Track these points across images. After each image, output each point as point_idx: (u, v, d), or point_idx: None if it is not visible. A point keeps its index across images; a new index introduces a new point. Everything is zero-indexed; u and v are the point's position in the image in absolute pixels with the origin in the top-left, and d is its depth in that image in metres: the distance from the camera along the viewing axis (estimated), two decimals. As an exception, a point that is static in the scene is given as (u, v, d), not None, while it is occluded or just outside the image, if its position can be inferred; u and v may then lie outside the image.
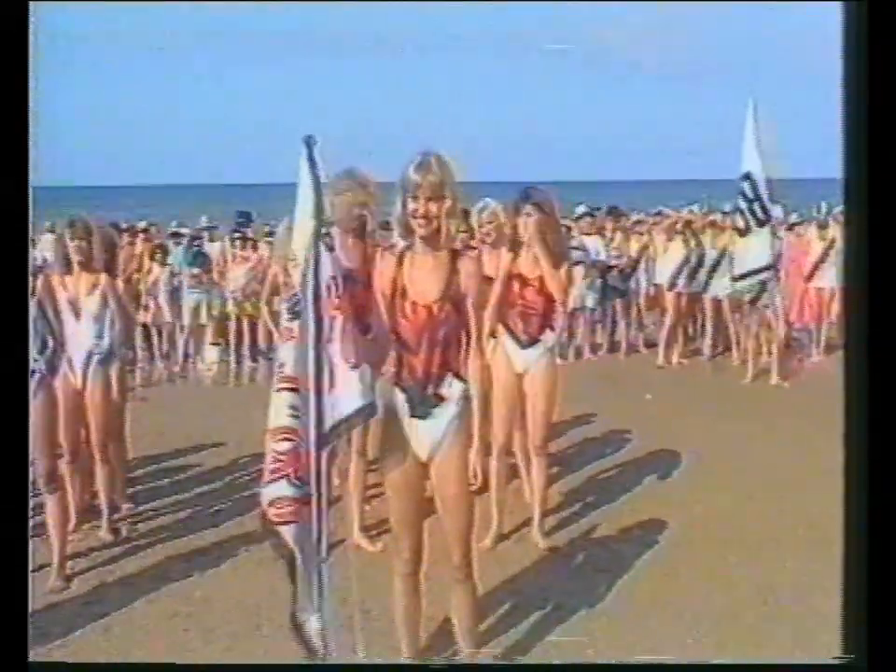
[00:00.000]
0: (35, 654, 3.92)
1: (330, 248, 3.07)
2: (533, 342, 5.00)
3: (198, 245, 11.42)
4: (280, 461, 3.03)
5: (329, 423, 3.05)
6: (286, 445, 3.02)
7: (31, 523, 5.12)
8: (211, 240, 11.76)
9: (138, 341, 10.80)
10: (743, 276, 8.89)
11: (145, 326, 10.91)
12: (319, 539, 3.10)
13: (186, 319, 10.83)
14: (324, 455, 3.07)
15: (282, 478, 3.03)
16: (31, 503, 5.22)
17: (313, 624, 3.19)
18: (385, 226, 5.19)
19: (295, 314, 3.08)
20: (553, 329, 5.06)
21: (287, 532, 3.06)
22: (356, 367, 3.07)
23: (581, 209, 11.65)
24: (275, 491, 3.05)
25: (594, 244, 11.23)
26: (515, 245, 4.98)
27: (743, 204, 8.62)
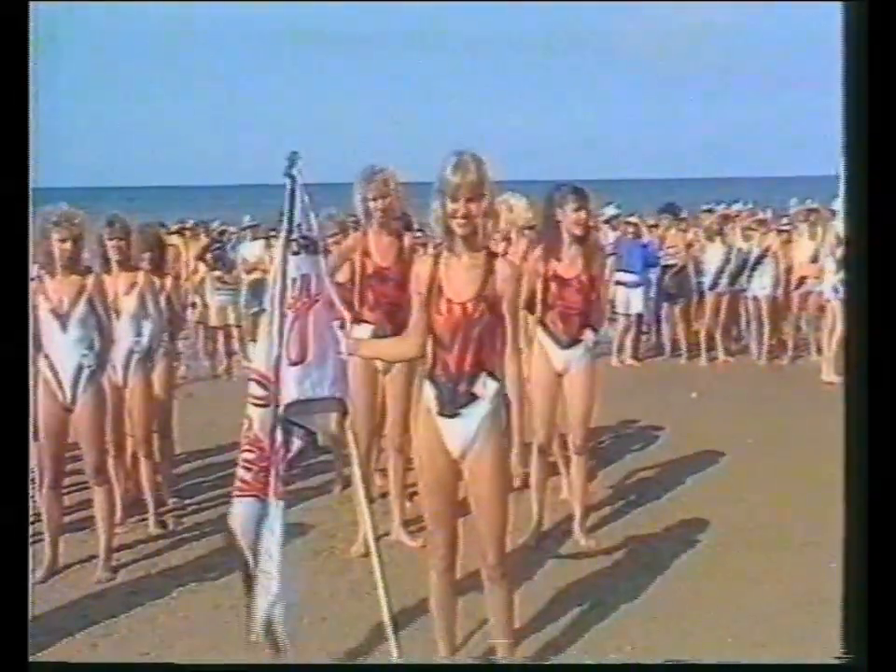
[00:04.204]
0: (81, 641, 4.04)
1: (296, 252, 3.34)
2: (574, 342, 4.97)
3: (219, 248, 11.41)
4: (241, 443, 3.34)
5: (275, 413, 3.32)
6: (243, 430, 3.33)
7: (80, 515, 5.29)
8: (254, 238, 11.82)
9: (191, 338, 10.99)
10: None
11: (195, 324, 11.04)
12: (262, 525, 3.32)
13: (213, 320, 10.91)
14: (276, 445, 3.30)
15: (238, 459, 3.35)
16: (73, 498, 5.38)
17: (274, 616, 3.35)
18: (408, 225, 5.25)
19: (262, 311, 3.45)
20: (593, 329, 5.03)
21: (232, 509, 3.34)
22: (295, 363, 3.31)
23: (610, 210, 11.45)
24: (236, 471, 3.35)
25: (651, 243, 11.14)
26: (554, 243, 4.95)
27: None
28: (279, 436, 3.30)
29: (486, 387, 3.26)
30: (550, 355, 4.97)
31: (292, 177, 3.33)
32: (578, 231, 4.87)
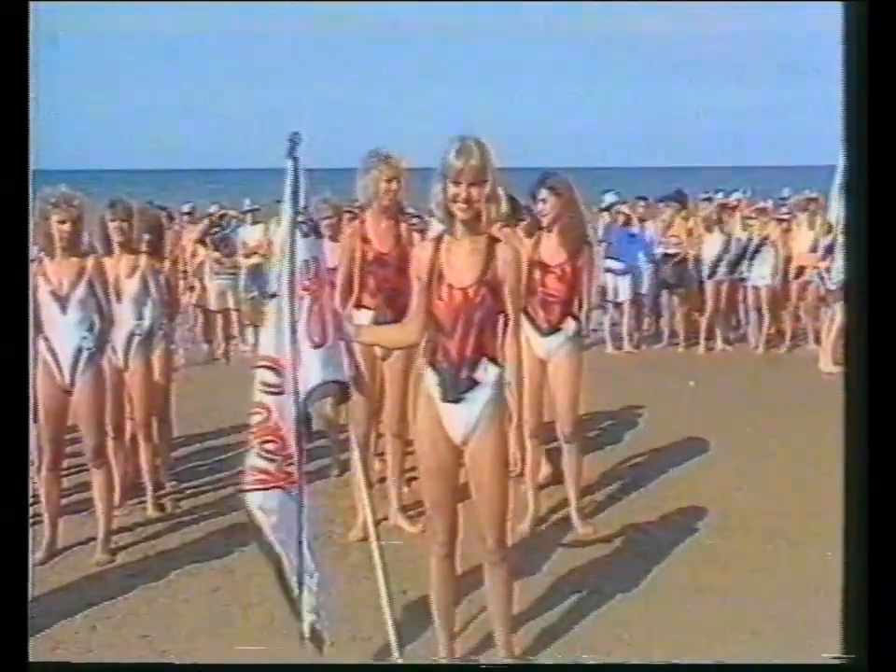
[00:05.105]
0: (79, 623, 4.05)
1: (306, 234, 3.27)
2: (553, 329, 4.96)
3: (218, 231, 11.25)
4: (251, 433, 3.23)
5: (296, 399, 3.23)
6: (256, 419, 3.22)
7: (78, 497, 5.30)
8: (254, 222, 11.77)
9: (189, 322, 10.96)
10: None
11: (193, 307, 11.02)
12: (301, 521, 3.25)
13: (212, 304, 10.87)
14: (296, 433, 3.22)
15: (251, 449, 3.23)
16: (72, 480, 5.39)
17: (304, 615, 3.30)
18: (405, 212, 5.23)
19: (272, 296, 3.29)
20: (574, 317, 5.01)
21: (253, 501, 3.24)
22: (318, 346, 3.23)
23: (609, 197, 11.33)
24: (247, 461, 3.25)
25: (648, 231, 11.08)
26: (536, 231, 4.94)
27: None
28: (302, 423, 3.22)
29: (487, 373, 3.27)
30: (531, 342, 4.96)
31: (295, 159, 3.27)
32: (542, 219, 4.88)
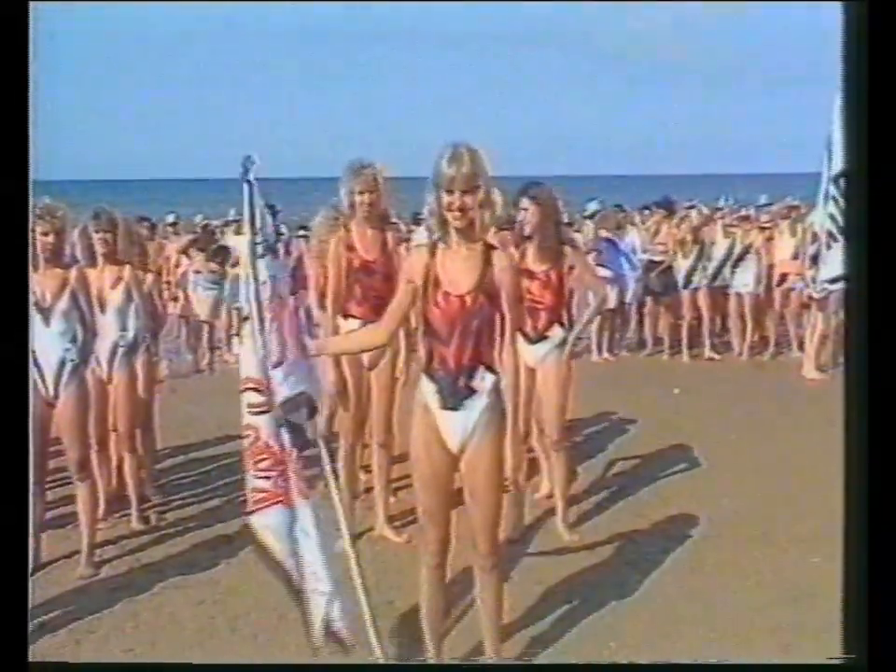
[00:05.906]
0: (64, 638, 4.01)
1: (261, 255, 3.31)
2: (541, 337, 4.98)
3: (214, 239, 11.24)
4: (245, 456, 3.29)
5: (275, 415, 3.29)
6: (247, 441, 3.28)
7: (62, 511, 5.25)
8: (237, 233, 11.74)
9: (173, 333, 10.90)
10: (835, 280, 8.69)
11: (177, 318, 10.96)
12: (295, 530, 3.28)
13: (201, 314, 10.82)
14: (286, 448, 3.27)
15: (248, 472, 3.29)
16: (56, 494, 5.34)
17: (333, 615, 3.28)
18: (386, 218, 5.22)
19: (246, 318, 3.35)
20: (561, 324, 5.02)
21: (258, 521, 3.28)
22: (277, 365, 3.28)
23: (592, 205, 11.32)
24: (247, 484, 3.32)
25: (632, 239, 11.10)
26: (519, 240, 4.96)
27: (833, 208, 8.18)
28: (287, 437, 3.26)
29: (484, 381, 3.27)
30: (521, 350, 4.95)
31: (249, 183, 3.30)
32: (524, 227, 4.90)
